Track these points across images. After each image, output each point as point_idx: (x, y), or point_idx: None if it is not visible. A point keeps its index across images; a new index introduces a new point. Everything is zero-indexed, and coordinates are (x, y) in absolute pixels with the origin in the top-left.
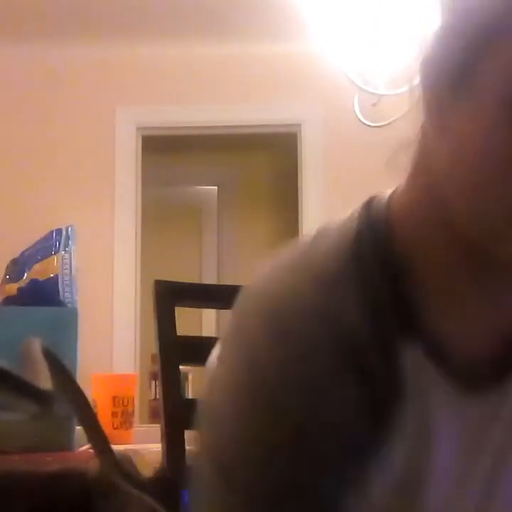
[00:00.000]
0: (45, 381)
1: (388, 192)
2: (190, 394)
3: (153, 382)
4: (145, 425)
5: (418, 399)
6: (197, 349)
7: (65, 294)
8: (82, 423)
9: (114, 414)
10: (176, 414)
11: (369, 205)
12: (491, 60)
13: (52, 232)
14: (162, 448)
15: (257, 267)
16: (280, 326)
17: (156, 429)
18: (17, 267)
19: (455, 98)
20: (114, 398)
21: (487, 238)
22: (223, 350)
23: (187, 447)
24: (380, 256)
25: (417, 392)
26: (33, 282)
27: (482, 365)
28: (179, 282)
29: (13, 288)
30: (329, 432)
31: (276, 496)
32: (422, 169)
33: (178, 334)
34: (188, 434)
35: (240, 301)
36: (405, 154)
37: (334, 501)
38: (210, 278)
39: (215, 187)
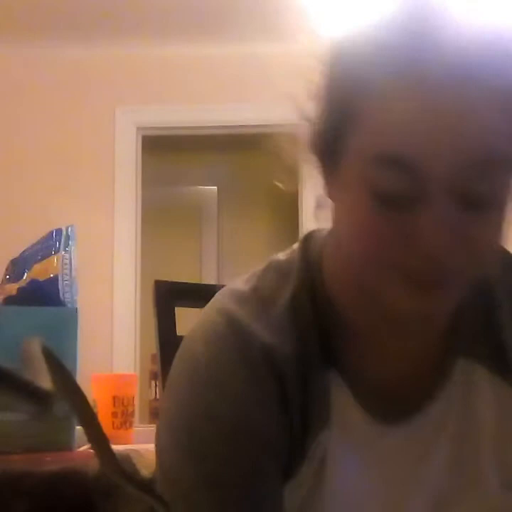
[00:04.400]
0: (45, 381)
1: (322, 234)
2: None
3: (153, 382)
4: (145, 425)
5: (335, 426)
6: None
7: (65, 294)
8: (82, 423)
9: (114, 414)
10: None
11: (307, 248)
12: (352, 134)
13: (52, 232)
14: None
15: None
16: (203, 378)
17: None
18: (17, 267)
19: (330, 171)
20: (114, 398)
21: (375, 292)
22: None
23: None
24: (314, 299)
25: (337, 420)
26: (33, 282)
27: (398, 394)
28: (179, 282)
29: (13, 288)
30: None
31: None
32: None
33: (178, 334)
34: None
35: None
36: (324, 210)
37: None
38: (210, 278)
39: (215, 187)
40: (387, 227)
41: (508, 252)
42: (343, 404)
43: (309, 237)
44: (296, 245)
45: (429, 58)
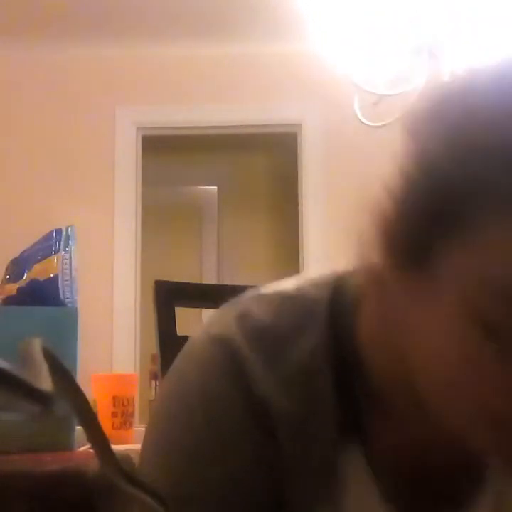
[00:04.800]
0: (45, 381)
1: (355, 283)
2: None
3: (153, 382)
4: (145, 425)
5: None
6: None
7: (65, 294)
8: (82, 423)
9: (114, 414)
10: None
11: (338, 295)
12: (457, 246)
13: (52, 232)
14: None
15: (256, 268)
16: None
17: None
18: (17, 267)
19: (406, 274)
20: (114, 398)
21: (460, 431)
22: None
23: None
24: (340, 358)
25: (349, 502)
26: (33, 282)
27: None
28: (179, 282)
29: (13, 288)
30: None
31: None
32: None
33: (178, 334)
34: None
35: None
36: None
37: None
38: (210, 278)
39: (215, 187)
40: (498, 373)
41: None
42: (360, 488)
43: (341, 282)
44: (317, 276)
45: None
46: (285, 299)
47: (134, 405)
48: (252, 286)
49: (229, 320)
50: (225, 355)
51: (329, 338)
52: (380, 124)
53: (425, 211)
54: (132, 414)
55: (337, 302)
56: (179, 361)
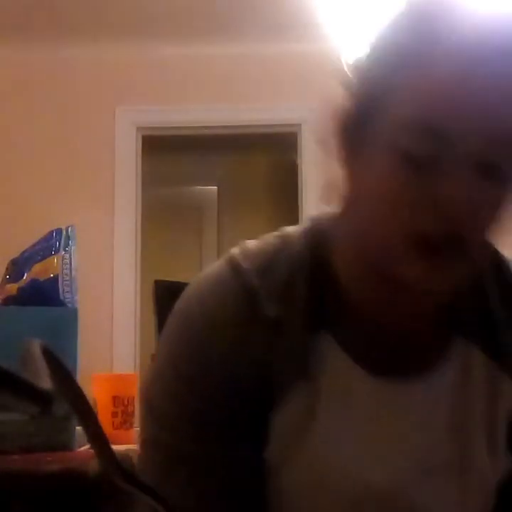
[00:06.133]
0: (45, 381)
1: (327, 216)
2: None
3: None
4: None
5: (325, 376)
6: None
7: (65, 294)
8: (82, 423)
9: (114, 414)
10: None
11: (314, 225)
12: (391, 104)
13: (52, 232)
14: None
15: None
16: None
17: None
18: (17, 267)
19: (356, 146)
20: (114, 398)
21: (391, 263)
22: (162, 343)
23: None
24: (315, 267)
25: (326, 371)
26: (33, 282)
27: (395, 355)
28: (179, 282)
29: (13, 288)
30: (231, 394)
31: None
32: (346, 205)
33: None
34: None
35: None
36: (334, 190)
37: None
38: None
39: (215, 187)
40: (413, 190)
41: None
42: (333, 359)
43: (316, 218)
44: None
45: (470, 35)
46: (272, 236)
47: (134, 405)
48: None
49: (231, 251)
50: (227, 270)
51: (306, 257)
52: None
53: (368, 94)
54: (132, 414)
55: (313, 227)
56: (195, 277)
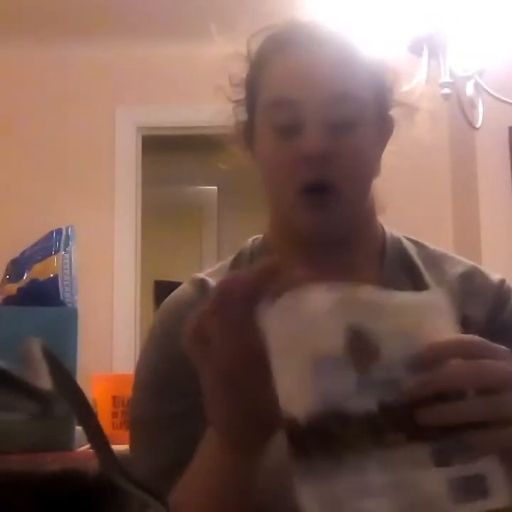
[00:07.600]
0: (45, 381)
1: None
2: None
3: None
4: None
5: None
6: None
7: (65, 294)
8: (82, 423)
9: (114, 414)
10: None
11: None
12: (258, 95)
13: (52, 232)
14: None
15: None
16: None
17: None
18: (17, 267)
19: (251, 135)
20: (114, 398)
21: (290, 215)
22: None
23: None
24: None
25: None
26: (33, 282)
27: None
28: (179, 282)
29: (13, 288)
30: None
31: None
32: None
33: None
34: None
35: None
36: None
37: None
38: None
39: (215, 187)
40: (287, 152)
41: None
42: None
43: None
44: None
45: (297, 43)
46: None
47: None
48: None
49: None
50: (192, 281)
51: (248, 245)
52: None
53: (247, 92)
54: None
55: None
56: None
